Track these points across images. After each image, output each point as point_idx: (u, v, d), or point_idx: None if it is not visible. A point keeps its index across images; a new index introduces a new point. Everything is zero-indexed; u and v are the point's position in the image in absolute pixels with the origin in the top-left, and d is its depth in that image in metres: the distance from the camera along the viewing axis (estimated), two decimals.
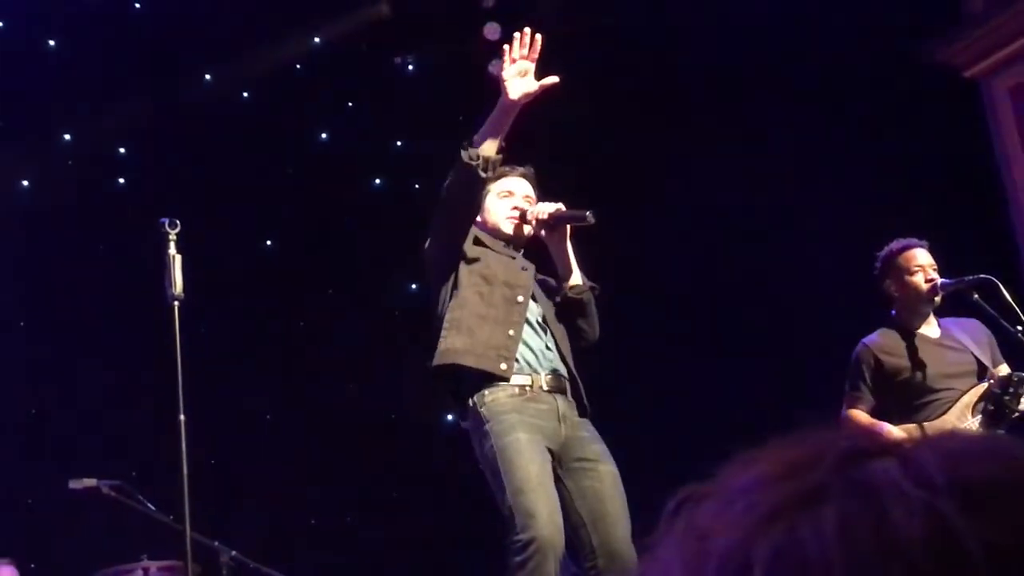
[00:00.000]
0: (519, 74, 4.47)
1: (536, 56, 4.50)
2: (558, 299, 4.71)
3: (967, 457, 0.64)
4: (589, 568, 4.38)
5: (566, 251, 4.69)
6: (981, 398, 5.38)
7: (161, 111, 8.09)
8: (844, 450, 0.66)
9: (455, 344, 4.44)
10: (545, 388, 4.47)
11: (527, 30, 4.50)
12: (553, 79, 4.47)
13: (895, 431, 5.32)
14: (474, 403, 4.40)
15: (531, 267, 4.71)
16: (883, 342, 5.58)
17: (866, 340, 5.62)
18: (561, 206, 4.65)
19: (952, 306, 5.63)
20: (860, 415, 5.48)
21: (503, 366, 4.39)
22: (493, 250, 4.63)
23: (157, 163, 8.16)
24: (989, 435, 0.68)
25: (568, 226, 4.67)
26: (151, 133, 8.12)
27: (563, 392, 4.52)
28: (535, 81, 4.47)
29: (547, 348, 4.55)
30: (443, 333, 4.49)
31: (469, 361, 4.40)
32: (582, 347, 4.73)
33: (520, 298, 4.54)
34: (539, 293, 4.70)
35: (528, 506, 4.20)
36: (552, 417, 4.44)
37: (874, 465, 0.64)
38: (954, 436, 0.67)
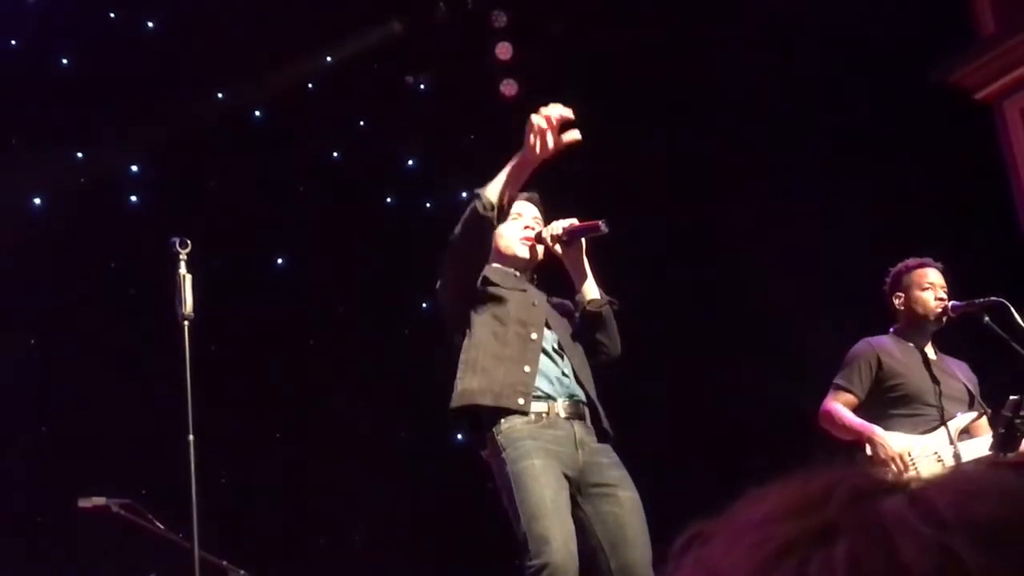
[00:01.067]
0: (546, 131, 4.39)
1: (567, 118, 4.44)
2: (577, 316, 4.71)
3: (976, 495, 0.63)
4: None
5: (583, 266, 4.70)
6: (966, 428, 5.39)
7: (174, 129, 8.11)
8: (854, 487, 0.65)
9: (472, 385, 4.43)
10: (562, 415, 4.46)
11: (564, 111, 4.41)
12: (576, 135, 4.40)
13: (885, 435, 5.30)
14: (492, 433, 4.40)
15: (542, 298, 4.70)
16: (889, 346, 5.60)
17: (871, 340, 5.63)
18: (574, 220, 4.66)
19: (963, 329, 5.63)
20: (848, 412, 5.46)
21: (520, 401, 4.39)
22: (504, 287, 4.62)
23: (169, 181, 8.18)
24: (997, 473, 0.67)
25: (584, 240, 4.68)
26: (164, 151, 8.13)
27: (581, 418, 4.50)
28: (560, 138, 4.39)
29: (563, 375, 4.54)
30: (459, 374, 4.49)
31: (487, 400, 4.39)
32: (603, 363, 4.71)
33: (534, 335, 4.53)
34: (554, 318, 4.69)
35: (542, 531, 4.19)
36: (569, 443, 4.43)
37: (884, 502, 0.64)
38: (962, 474, 0.67)
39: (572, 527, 4.29)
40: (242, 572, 6.09)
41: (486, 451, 4.46)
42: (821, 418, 5.52)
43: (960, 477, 0.66)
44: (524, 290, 4.68)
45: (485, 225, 4.37)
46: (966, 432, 5.41)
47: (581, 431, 4.48)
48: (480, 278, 4.57)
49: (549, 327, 4.62)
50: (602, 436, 4.54)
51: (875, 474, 0.67)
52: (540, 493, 4.26)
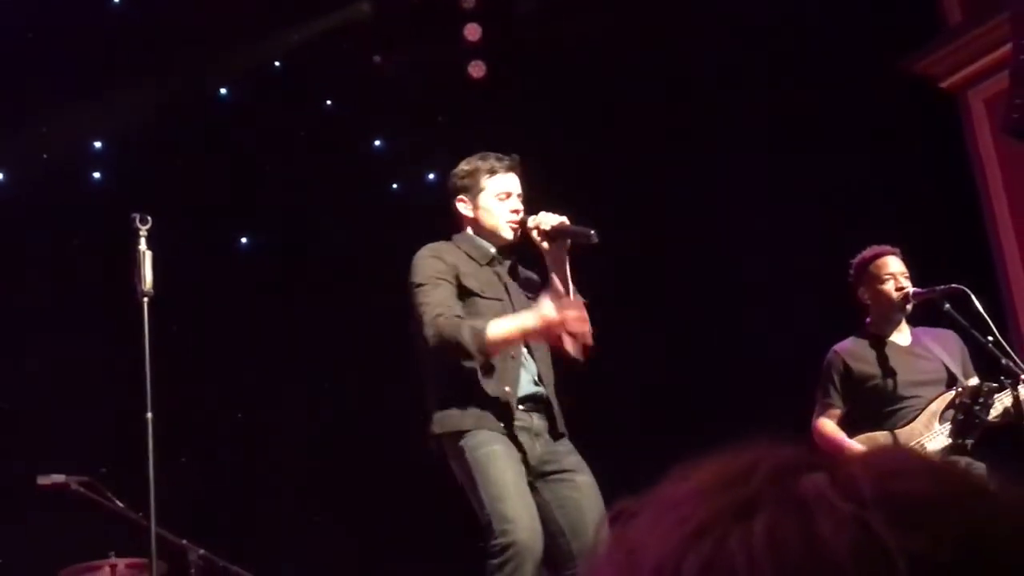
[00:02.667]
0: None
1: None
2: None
3: (896, 472, 0.64)
4: (570, 575, 4.41)
5: (563, 266, 4.64)
6: (948, 406, 5.42)
7: (138, 106, 8.05)
8: (776, 464, 0.65)
9: (455, 407, 4.47)
10: (521, 407, 4.51)
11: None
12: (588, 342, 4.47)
13: (857, 447, 5.35)
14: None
15: (515, 286, 4.70)
16: (853, 349, 5.63)
17: (836, 347, 5.67)
18: (565, 220, 4.61)
19: (925, 315, 5.66)
20: (827, 426, 5.52)
21: (502, 424, 4.44)
22: (482, 296, 4.61)
23: (133, 158, 8.12)
24: (919, 452, 0.68)
25: (569, 242, 4.65)
26: (128, 127, 8.08)
27: (539, 411, 4.55)
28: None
29: (531, 381, 4.59)
30: (439, 392, 4.54)
31: (469, 424, 4.45)
32: (574, 356, 4.71)
33: (515, 355, 4.55)
34: (520, 306, 4.66)
35: (506, 511, 4.26)
36: (526, 433, 4.49)
37: (805, 478, 0.64)
38: (885, 452, 0.67)
39: (535, 508, 4.35)
40: (201, 551, 6.07)
41: (435, 445, 4.50)
42: (813, 434, 5.58)
43: (883, 456, 0.66)
44: (500, 299, 4.66)
45: (465, 357, 4.39)
46: (951, 408, 5.42)
47: (538, 422, 4.53)
48: (455, 272, 4.58)
49: None
50: (556, 434, 4.57)
51: (799, 451, 0.67)
52: (502, 476, 4.32)
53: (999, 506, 0.63)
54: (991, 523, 0.62)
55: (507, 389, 4.48)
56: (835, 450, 5.38)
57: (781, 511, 0.62)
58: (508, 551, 4.19)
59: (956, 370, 5.52)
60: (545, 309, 4.37)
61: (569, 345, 4.52)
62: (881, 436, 5.41)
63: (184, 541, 6.02)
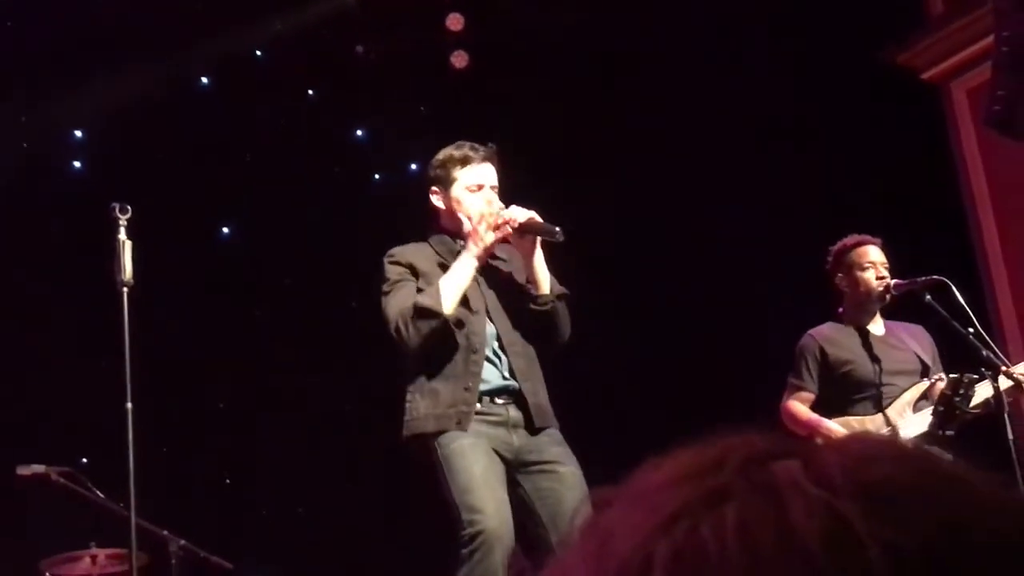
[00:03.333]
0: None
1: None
2: (526, 304, 4.65)
3: (868, 459, 0.63)
4: None
5: (534, 260, 4.60)
6: (922, 396, 5.44)
7: (119, 95, 8.02)
8: (748, 452, 0.65)
9: (419, 411, 4.48)
10: (498, 400, 4.52)
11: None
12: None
13: (835, 427, 5.36)
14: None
15: (482, 278, 4.66)
16: (829, 334, 5.64)
17: (812, 331, 5.67)
18: (534, 215, 4.56)
19: (905, 307, 5.67)
20: (800, 408, 5.52)
21: (458, 422, 4.43)
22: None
23: (113, 147, 8.09)
24: (894, 440, 0.67)
25: (538, 238, 4.62)
26: (108, 116, 8.05)
27: (513, 404, 4.54)
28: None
29: (503, 377, 4.56)
30: (408, 396, 4.55)
31: (430, 427, 4.45)
32: (549, 349, 4.71)
33: (476, 350, 4.52)
34: (497, 303, 4.64)
35: (473, 502, 4.27)
36: (501, 425, 4.49)
37: (777, 466, 0.63)
38: (859, 439, 0.67)
39: (505, 498, 4.37)
40: (182, 541, 6.07)
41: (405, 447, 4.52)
42: (782, 416, 5.58)
43: (857, 443, 0.66)
44: (476, 280, 4.64)
45: (435, 320, 4.42)
46: (924, 399, 5.44)
47: (515, 414, 4.53)
48: (412, 270, 4.59)
49: (492, 319, 4.61)
50: (532, 428, 4.55)
51: (772, 439, 0.66)
52: (469, 469, 4.33)
53: (972, 494, 0.63)
54: (964, 511, 0.61)
55: (468, 386, 4.47)
56: (810, 431, 5.38)
57: (753, 499, 0.61)
58: (476, 540, 4.21)
59: (928, 362, 5.55)
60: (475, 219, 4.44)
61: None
62: (855, 421, 5.43)
63: (165, 532, 6.02)
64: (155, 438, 7.07)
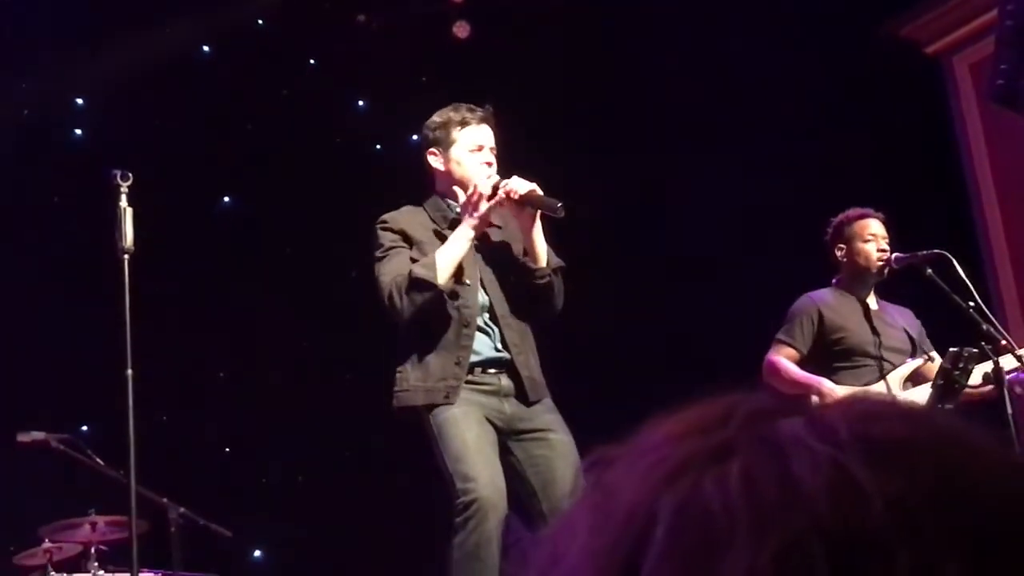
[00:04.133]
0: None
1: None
2: (522, 276, 4.64)
3: (872, 416, 0.64)
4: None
5: (532, 232, 4.58)
6: (911, 376, 5.45)
7: (120, 63, 8.00)
8: (753, 409, 0.65)
9: (409, 382, 4.50)
10: (484, 372, 4.52)
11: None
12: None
13: (833, 386, 5.35)
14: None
15: (474, 270, 4.62)
16: (830, 300, 5.65)
17: (812, 294, 5.68)
18: (535, 187, 4.54)
19: (906, 281, 5.67)
20: (793, 366, 5.50)
21: (446, 396, 4.45)
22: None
23: (115, 115, 8.08)
24: (898, 399, 0.68)
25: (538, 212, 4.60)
26: (110, 85, 8.03)
27: (504, 374, 4.55)
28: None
29: (495, 349, 4.57)
30: (399, 368, 4.55)
31: (419, 399, 4.47)
32: (541, 320, 4.71)
33: (468, 322, 4.52)
34: (490, 272, 4.63)
35: (466, 470, 4.30)
36: (493, 394, 4.51)
37: (782, 422, 0.64)
38: (864, 398, 0.67)
39: (498, 466, 4.40)
40: (181, 509, 6.09)
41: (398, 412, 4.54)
42: (765, 372, 5.56)
43: (861, 401, 0.66)
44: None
45: (430, 291, 4.43)
46: (911, 380, 5.46)
47: (506, 382, 4.54)
48: (405, 237, 4.57)
49: (486, 289, 4.60)
50: (526, 401, 4.55)
51: (775, 398, 0.67)
52: (461, 436, 4.36)
53: (977, 452, 0.64)
54: (966, 468, 0.62)
55: (459, 360, 4.47)
56: (804, 390, 5.36)
57: (757, 453, 0.62)
58: (470, 508, 4.23)
59: (917, 344, 5.58)
60: (464, 202, 4.44)
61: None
62: (843, 389, 5.42)
63: (165, 499, 6.04)
64: (155, 405, 7.11)
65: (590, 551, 0.63)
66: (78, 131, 8.27)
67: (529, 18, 8.40)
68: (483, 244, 4.67)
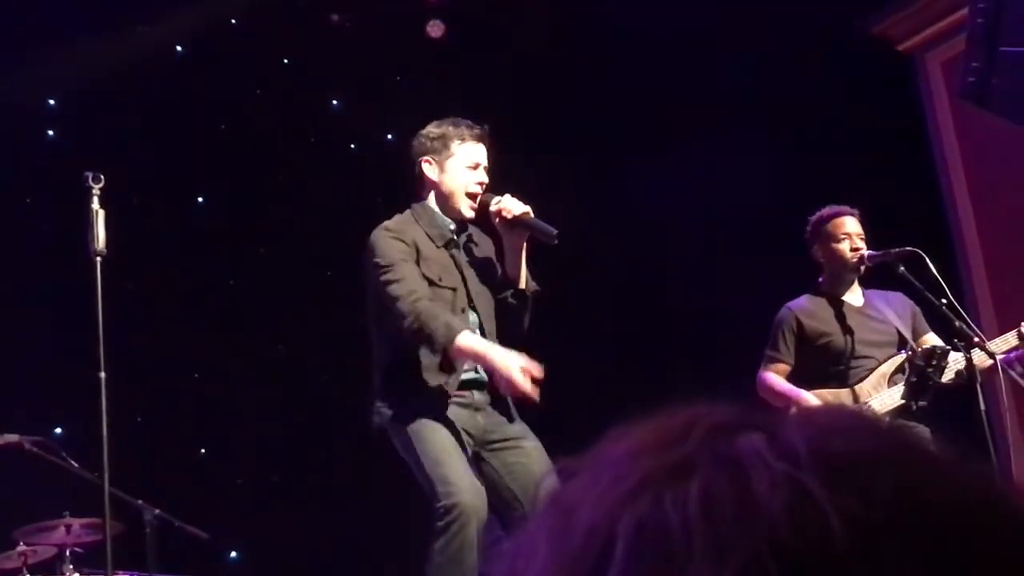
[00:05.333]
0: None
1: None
2: (499, 295, 4.69)
3: (831, 431, 0.64)
4: None
5: (519, 254, 4.65)
6: (898, 369, 5.47)
7: (94, 63, 7.97)
8: (712, 424, 0.65)
9: (392, 402, 4.49)
10: (460, 390, 4.53)
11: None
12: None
13: (812, 399, 5.39)
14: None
15: (469, 266, 4.65)
16: (807, 306, 5.67)
17: (790, 304, 5.71)
18: (529, 211, 4.58)
19: (879, 278, 5.70)
20: (777, 379, 5.55)
21: (434, 412, 4.44)
22: (438, 285, 4.57)
23: (87, 116, 8.04)
24: (860, 411, 0.68)
25: (528, 234, 4.63)
26: (82, 85, 7.99)
27: (478, 390, 4.56)
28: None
29: (475, 370, 4.56)
30: (381, 381, 4.57)
31: (402, 417, 4.45)
32: (507, 341, 4.68)
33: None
34: (479, 292, 4.65)
35: (446, 474, 4.30)
36: (466, 407, 4.53)
37: (742, 438, 0.64)
38: (822, 412, 0.67)
39: (473, 474, 4.38)
40: (156, 511, 6.07)
41: (379, 417, 4.53)
42: (758, 388, 5.62)
43: (820, 415, 0.66)
44: (453, 256, 4.65)
45: (428, 346, 4.42)
46: (901, 372, 5.47)
47: (480, 397, 4.56)
48: (416, 254, 4.56)
49: (475, 309, 4.62)
50: (507, 415, 4.57)
51: (737, 411, 0.67)
52: (439, 441, 4.36)
53: (936, 467, 0.64)
54: (927, 484, 0.62)
55: (447, 382, 4.48)
56: (788, 402, 5.42)
57: (717, 471, 0.62)
58: (452, 512, 4.22)
59: (907, 332, 5.59)
60: (514, 363, 4.34)
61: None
62: (829, 394, 5.46)
63: (139, 501, 6.02)
64: (129, 407, 7.09)
65: (550, 570, 0.63)
66: (50, 132, 8.23)
67: (504, 17, 8.40)
68: (472, 264, 4.71)
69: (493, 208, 4.59)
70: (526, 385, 4.30)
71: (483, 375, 4.55)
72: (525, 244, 4.64)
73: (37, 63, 7.79)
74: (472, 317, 4.61)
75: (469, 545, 4.23)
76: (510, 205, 4.58)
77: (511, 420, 4.58)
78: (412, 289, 4.47)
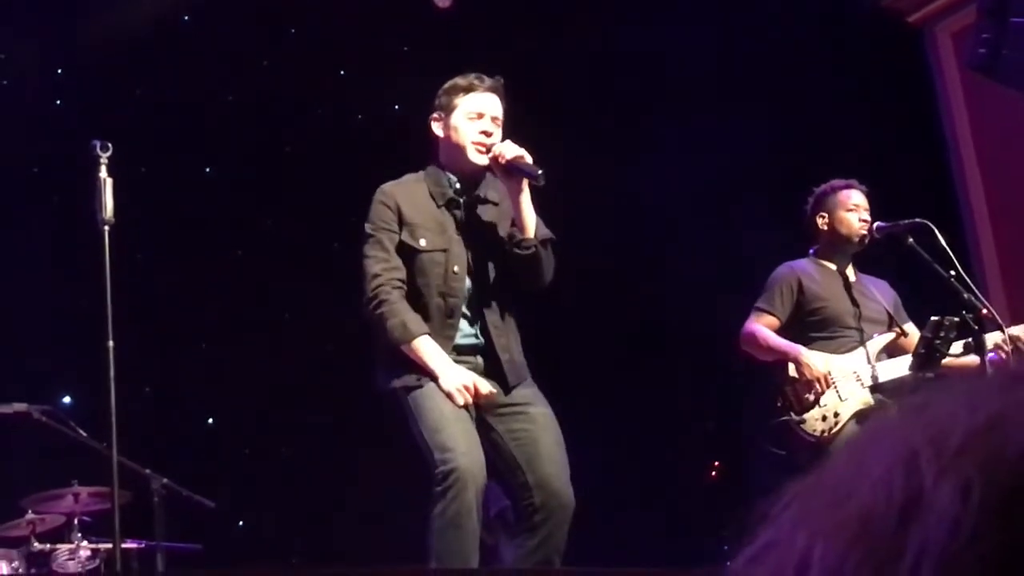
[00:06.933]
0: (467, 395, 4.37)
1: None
2: (509, 249, 4.57)
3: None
4: (526, 506, 4.43)
5: (519, 201, 4.52)
6: (885, 347, 5.48)
7: (100, 32, 7.95)
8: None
9: (389, 369, 4.46)
10: (463, 351, 4.49)
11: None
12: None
13: (811, 354, 5.37)
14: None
15: (462, 257, 4.55)
16: (809, 269, 5.66)
17: (791, 264, 5.68)
18: (524, 154, 4.49)
19: (887, 250, 5.68)
20: (771, 334, 5.50)
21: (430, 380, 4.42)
22: (423, 251, 4.50)
23: (95, 85, 8.03)
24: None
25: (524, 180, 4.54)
26: (91, 55, 7.98)
27: (482, 353, 4.52)
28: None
29: (476, 336, 4.53)
30: (380, 355, 4.52)
31: (399, 384, 4.42)
32: (529, 291, 4.65)
33: (453, 313, 4.48)
34: (479, 255, 4.56)
35: (444, 440, 4.27)
36: (469, 371, 4.46)
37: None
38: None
39: (476, 437, 4.36)
40: (164, 480, 6.09)
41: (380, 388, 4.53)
42: (743, 340, 5.56)
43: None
44: (454, 216, 4.57)
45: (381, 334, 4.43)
46: (884, 352, 5.49)
47: (482, 362, 4.51)
48: (398, 219, 4.53)
49: (473, 274, 4.53)
50: (506, 387, 4.51)
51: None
52: (438, 408, 4.32)
53: None
54: None
55: (444, 339, 4.45)
56: (780, 357, 5.40)
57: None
58: (449, 478, 4.20)
59: (893, 316, 5.61)
60: (453, 382, 4.34)
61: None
62: (820, 357, 5.43)
63: (147, 470, 6.05)
64: (137, 377, 7.11)
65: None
66: (58, 101, 8.22)
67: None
68: (475, 222, 4.61)
69: (493, 153, 4.51)
70: (459, 401, 4.31)
71: (482, 339, 4.53)
72: (526, 190, 4.54)
73: (45, 32, 7.78)
74: (468, 284, 4.53)
75: (467, 510, 4.21)
76: (504, 149, 4.50)
77: (506, 391, 4.52)
78: (376, 273, 4.46)
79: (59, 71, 8.24)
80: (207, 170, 8.76)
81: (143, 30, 8.04)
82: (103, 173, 4.48)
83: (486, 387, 4.37)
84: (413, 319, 4.40)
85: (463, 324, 4.52)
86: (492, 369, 4.50)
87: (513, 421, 4.48)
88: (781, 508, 0.62)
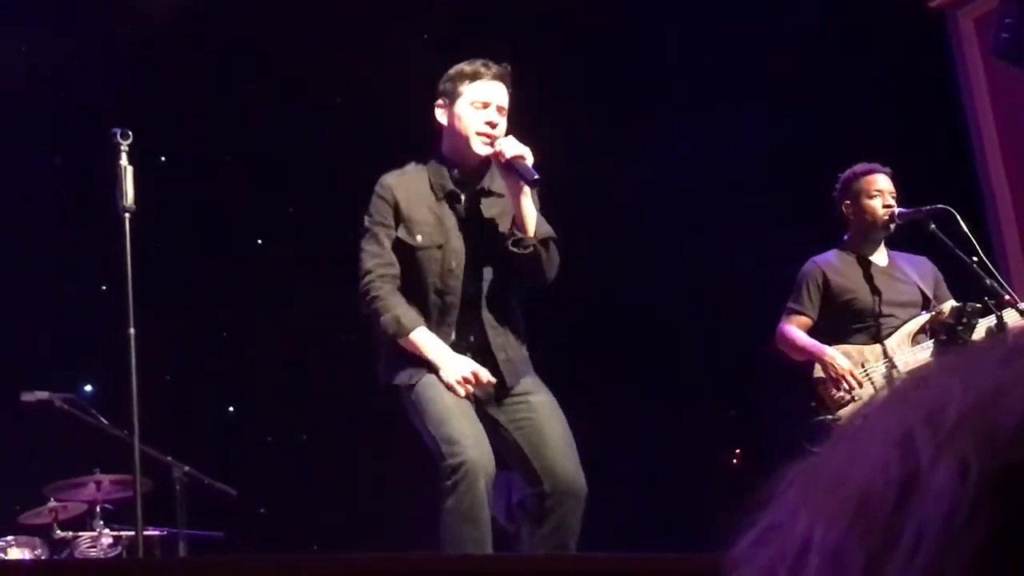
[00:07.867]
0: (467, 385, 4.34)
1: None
2: (507, 244, 4.49)
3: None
4: (537, 493, 4.39)
5: (519, 200, 4.42)
6: (921, 329, 5.44)
7: (122, 21, 7.96)
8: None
9: (391, 369, 4.46)
10: (465, 352, 4.46)
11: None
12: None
13: (835, 354, 5.36)
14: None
15: (460, 253, 4.49)
16: (834, 262, 5.63)
17: (817, 258, 5.66)
18: (524, 153, 4.40)
19: (909, 236, 5.66)
20: (800, 334, 5.50)
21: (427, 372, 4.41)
22: (419, 247, 4.45)
23: (116, 73, 8.04)
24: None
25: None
26: (112, 44, 7.99)
27: (476, 355, 4.47)
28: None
29: (472, 336, 4.48)
30: (381, 350, 4.53)
31: (402, 380, 4.41)
32: (531, 288, 4.62)
33: (451, 310, 4.44)
34: (478, 252, 4.50)
35: (451, 432, 4.22)
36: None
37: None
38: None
39: (481, 426, 4.31)
40: (186, 468, 6.11)
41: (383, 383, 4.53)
42: (777, 340, 5.56)
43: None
44: (455, 209, 4.51)
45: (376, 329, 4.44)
46: (923, 332, 5.44)
47: (482, 359, 4.46)
48: (395, 214, 4.50)
49: (472, 270, 4.47)
50: (500, 381, 4.46)
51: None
52: (442, 400, 4.27)
53: None
54: None
55: (441, 333, 4.44)
56: (808, 356, 5.40)
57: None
58: (459, 471, 4.14)
59: (930, 293, 5.55)
60: (453, 373, 4.32)
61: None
62: (853, 350, 5.42)
63: (169, 458, 6.06)
64: (159, 365, 7.12)
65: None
66: (79, 90, 8.23)
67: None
68: (477, 218, 4.53)
69: (495, 148, 4.42)
70: (460, 393, 4.29)
71: (478, 336, 4.49)
72: (527, 188, 4.43)
73: (66, 22, 7.79)
74: (465, 286, 4.45)
75: (479, 501, 4.17)
76: (505, 146, 4.41)
77: (504, 385, 4.46)
78: (368, 269, 4.44)
79: (80, 60, 8.25)
80: (228, 158, 8.76)
81: (163, 17, 8.05)
82: (124, 161, 4.49)
83: (486, 375, 4.34)
84: (406, 312, 4.37)
85: (462, 322, 4.47)
86: (488, 369, 4.42)
87: (515, 411, 4.44)
88: (782, 491, 0.62)
